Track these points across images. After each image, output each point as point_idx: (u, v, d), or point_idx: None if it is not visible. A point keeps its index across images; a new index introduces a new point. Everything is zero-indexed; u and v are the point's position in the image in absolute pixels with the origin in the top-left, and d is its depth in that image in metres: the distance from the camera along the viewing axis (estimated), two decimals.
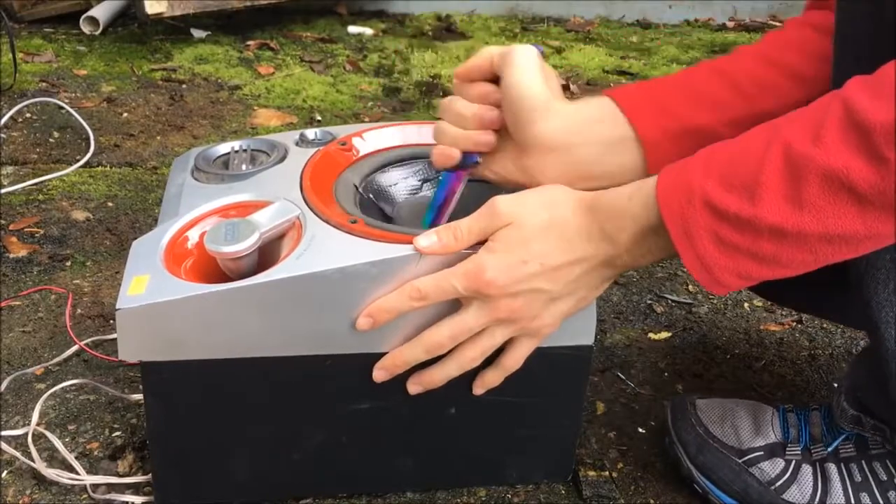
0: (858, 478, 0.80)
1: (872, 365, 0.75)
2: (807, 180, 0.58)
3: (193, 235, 0.79)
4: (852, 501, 0.79)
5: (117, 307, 0.69)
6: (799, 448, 0.82)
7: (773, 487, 0.80)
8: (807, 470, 0.81)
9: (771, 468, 0.81)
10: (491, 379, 0.76)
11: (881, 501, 0.79)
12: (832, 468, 0.80)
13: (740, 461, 0.81)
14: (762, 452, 0.82)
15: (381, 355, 0.75)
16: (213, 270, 0.74)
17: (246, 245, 0.72)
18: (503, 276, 0.68)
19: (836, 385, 0.83)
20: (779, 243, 0.60)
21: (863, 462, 0.80)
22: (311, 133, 0.92)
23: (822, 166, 0.57)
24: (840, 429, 0.82)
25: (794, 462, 0.81)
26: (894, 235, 0.59)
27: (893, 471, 0.79)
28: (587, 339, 0.77)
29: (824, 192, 0.58)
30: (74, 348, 1.02)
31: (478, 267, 0.69)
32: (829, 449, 0.81)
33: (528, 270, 0.68)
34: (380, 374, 0.74)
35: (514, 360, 0.75)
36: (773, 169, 0.59)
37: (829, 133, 0.58)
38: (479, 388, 0.77)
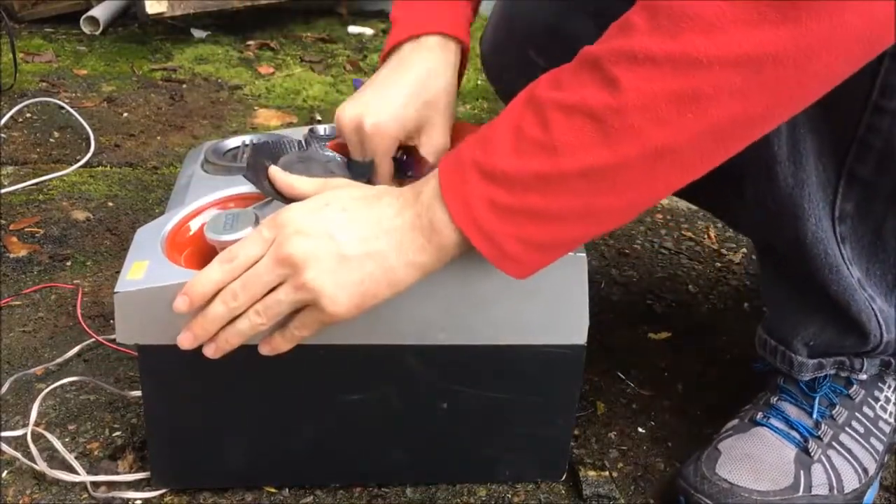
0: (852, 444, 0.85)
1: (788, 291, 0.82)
2: (552, 121, 0.60)
3: (195, 225, 0.80)
4: (858, 457, 0.84)
5: (115, 290, 0.72)
6: (814, 448, 0.84)
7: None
8: (818, 468, 0.83)
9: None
10: (278, 343, 0.71)
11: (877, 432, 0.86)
12: (833, 454, 0.84)
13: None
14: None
15: (374, 347, 0.75)
16: (213, 259, 0.75)
17: (243, 235, 0.73)
18: (300, 213, 0.67)
19: (784, 351, 0.86)
20: (545, 192, 0.61)
21: (855, 414, 0.85)
22: (320, 128, 0.95)
23: (562, 103, 0.60)
24: (811, 391, 0.86)
25: (811, 465, 0.83)
26: (641, 160, 0.60)
27: (870, 401, 0.86)
28: (580, 338, 0.78)
29: (569, 128, 0.60)
30: (76, 349, 1.02)
31: (284, 209, 0.69)
32: (827, 437, 0.84)
33: (326, 212, 0.67)
34: (185, 336, 0.70)
35: (298, 327, 0.69)
36: (527, 121, 0.62)
37: (565, 76, 0.61)
38: (264, 348, 0.71)
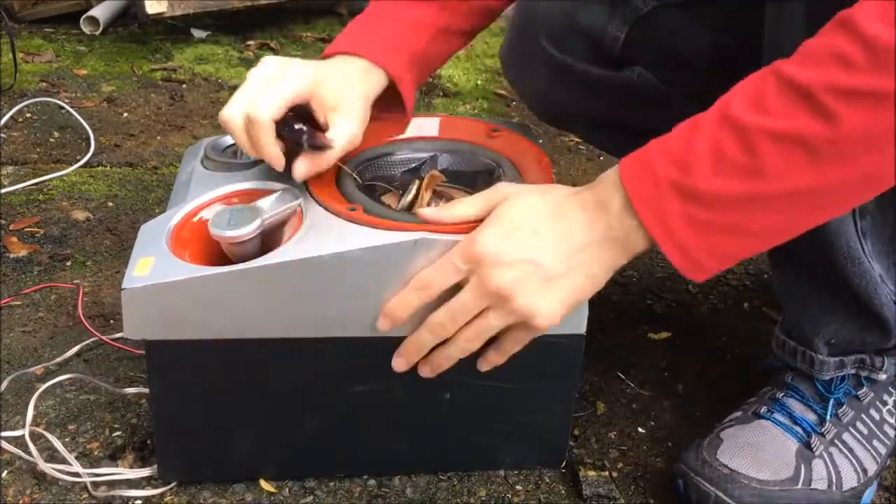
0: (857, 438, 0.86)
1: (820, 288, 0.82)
2: (759, 147, 0.61)
3: (199, 221, 0.81)
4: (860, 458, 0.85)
5: (122, 287, 0.72)
6: (816, 445, 0.84)
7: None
8: (819, 463, 0.83)
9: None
10: (493, 358, 0.77)
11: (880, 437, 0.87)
12: (835, 451, 0.84)
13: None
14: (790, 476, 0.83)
15: (378, 339, 0.76)
16: (218, 254, 0.77)
17: (248, 230, 0.74)
18: (494, 243, 0.69)
19: (805, 351, 0.86)
20: (746, 211, 0.64)
21: (861, 415, 0.86)
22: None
23: (771, 130, 0.61)
24: (827, 392, 0.86)
25: (812, 460, 0.84)
26: (844, 182, 0.62)
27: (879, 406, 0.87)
28: (579, 328, 0.79)
29: (779, 155, 0.61)
30: (76, 348, 1.02)
31: (471, 238, 0.70)
32: (830, 435, 0.85)
33: (519, 237, 0.69)
34: (399, 362, 0.77)
35: (511, 343, 0.75)
36: (728, 144, 0.63)
37: (770, 101, 0.62)
38: (483, 365, 0.77)
